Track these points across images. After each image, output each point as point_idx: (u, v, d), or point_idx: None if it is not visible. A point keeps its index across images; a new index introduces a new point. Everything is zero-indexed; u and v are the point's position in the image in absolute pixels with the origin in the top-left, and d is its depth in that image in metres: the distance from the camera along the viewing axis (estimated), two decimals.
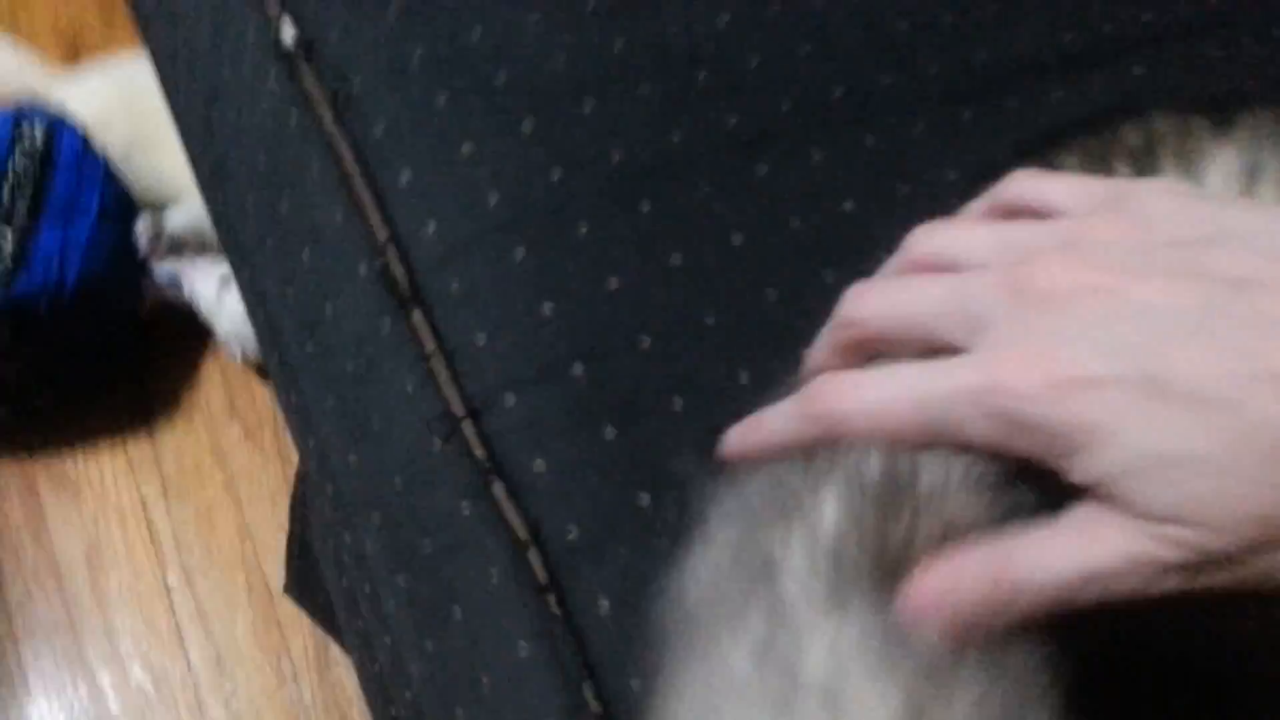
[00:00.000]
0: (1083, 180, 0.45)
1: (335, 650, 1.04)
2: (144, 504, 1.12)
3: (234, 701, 1.03)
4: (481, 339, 0.66)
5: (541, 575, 0.57)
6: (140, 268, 1.27)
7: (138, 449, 1.15)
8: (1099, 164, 0.49)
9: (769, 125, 0.79)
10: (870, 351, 0.44)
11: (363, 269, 0.69)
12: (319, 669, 1.05)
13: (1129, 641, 0.39)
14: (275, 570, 1.07)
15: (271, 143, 0.76)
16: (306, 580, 1.09)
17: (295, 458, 0.98)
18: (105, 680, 1.02)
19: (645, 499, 0.60)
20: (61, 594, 1.07)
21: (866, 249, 0.59)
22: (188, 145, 0.91)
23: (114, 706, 1.01)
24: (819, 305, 0.57)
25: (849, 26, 0.83)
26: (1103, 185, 0.44)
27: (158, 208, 1.32)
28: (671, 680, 0.40)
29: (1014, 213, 0.46)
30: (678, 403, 0.65)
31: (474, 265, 0.70)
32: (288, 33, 0.77)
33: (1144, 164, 0.48)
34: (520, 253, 0.71)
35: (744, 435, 0.49)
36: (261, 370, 1.18)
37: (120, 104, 1.30)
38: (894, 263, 0.49)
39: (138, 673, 1.03)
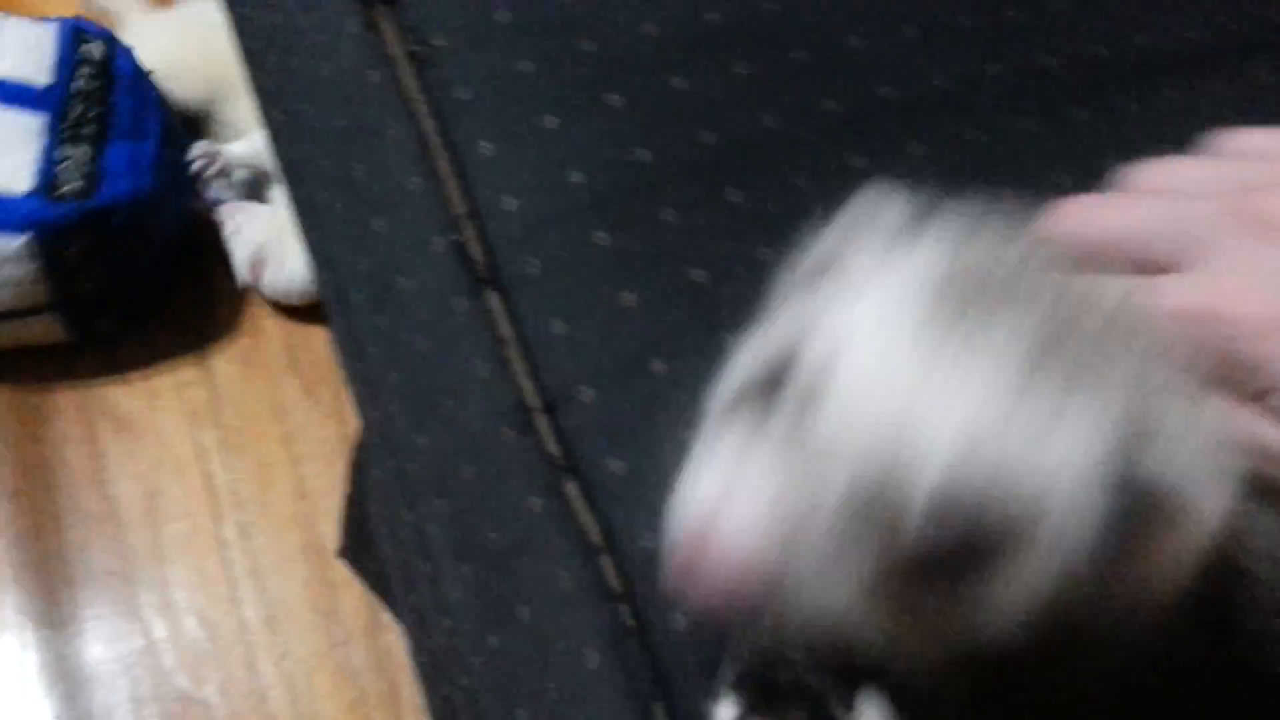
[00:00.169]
0: None
1: (386, 615, 1.03)
2: (203, 455, 1.11)
3: (285, 661, 1.03)
4: (559, 327, 0.64)
5: (615, 583, 0.55)
6: (190, 192, 1.28)
7: (198, 399, 1.15)
8: None
9: (868, 113, 0.75)
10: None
11: (438, 243, 0.67)
12: (370, 633, 1.05)
13: None
14: (329, 531, 1.06)
15: (348, 100, 0.73)
16: (361, 545, 1.08)
17: (353, 418, 0.96)
18: (159, 632, 1.03)
19: None
20: (119, 542, 1.07)
21: None
22: (258, 96, 0.88)
23: (167, 659, 1.02)
24: None
25: (958, 11, 0.78)
26: None
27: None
28: None
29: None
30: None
31: (554, 246, 0.67)
32: None
33: None
34: (602, 236, 0.68)
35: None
36: (297, 313, 1.17)
37: (195, 51, 1.29)
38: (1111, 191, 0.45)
39: (192, 626, 1.03)
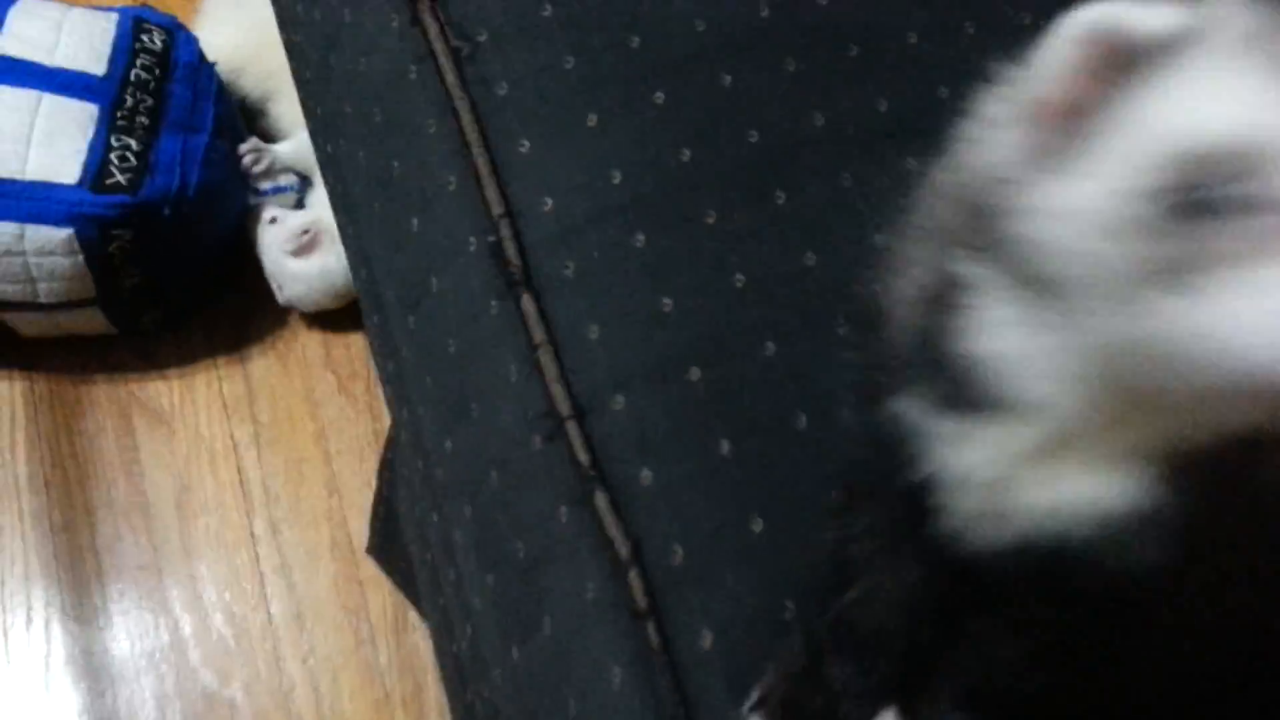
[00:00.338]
0: None
1: (414, 615, 1.02)
2: (236, 448, 1.11)
3: (311, 659, 1.02)
4: (594, 331, 0.62)
5: (641, 599, 0.53)
6: (244, 188, 1.27)
7: (233, 391, 1.14)
8: None
9: (922, 114, 0.72)
10: None
11: (473, 243, 0.65)
12: (397, 632, 1.03)
13: None
14: (359, 528, 1.05)
15: (388, 96, 0.72)
16: (390, 543, 1.07)
17: (386, 414, 0.95)
18: (187, 627, 1.02)
19: (759, 524, 0.55)
20: (150, 534, 1.06)
21: None
22: (302, 91, 0.87)
23: (194, 655, 1.01)
24: None
25: (1020, 7, 0.75)
26: None
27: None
28: None
29: None
30: (801, 420, 0.60)
31: (591, 248, 0.65)
32: None
33: None
34: (641, 239, 0.66)
35: None
36: (318, 319, 1.16)
37: (254, 49, 1.28)
38: None
39: (219, 622, 1.02)
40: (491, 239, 0.64)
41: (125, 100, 1.14)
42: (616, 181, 0.66)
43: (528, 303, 0.63)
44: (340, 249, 0.99)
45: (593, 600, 0.54)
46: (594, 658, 0.53)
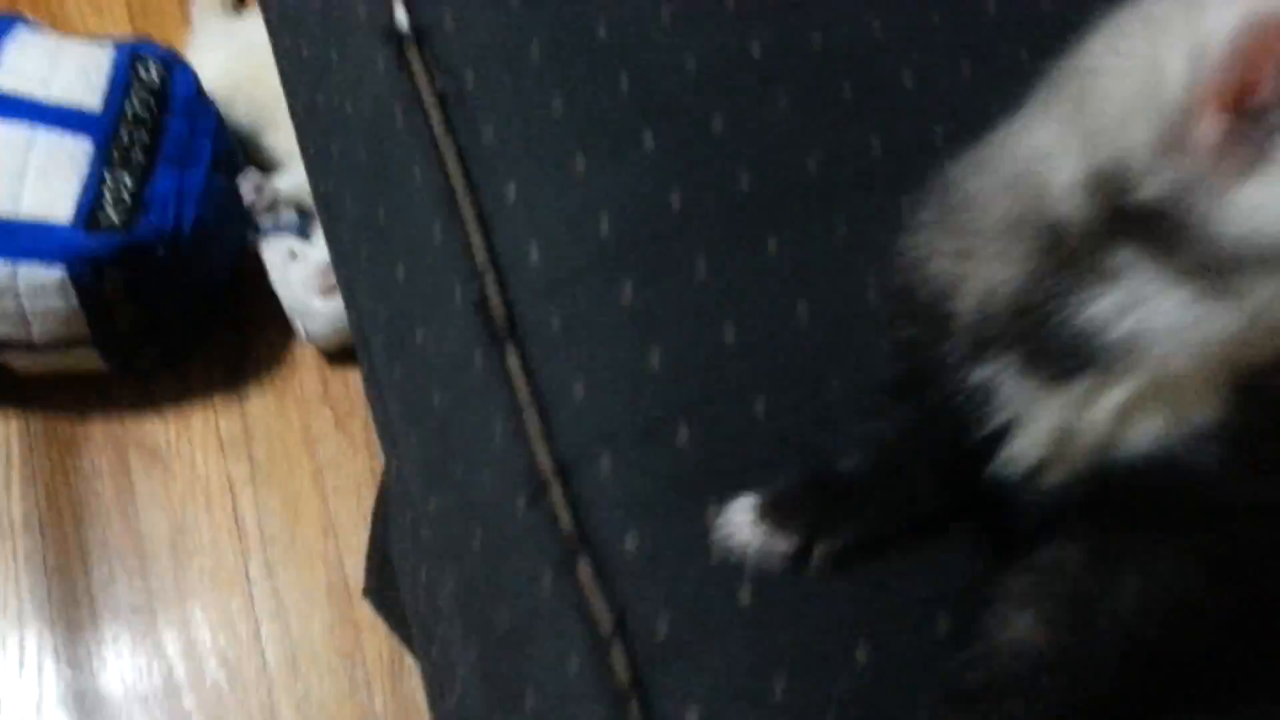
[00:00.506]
0: None
1: (410, 660, 1.00)
2: (232, 488, 1.09)
3: (305, 705, 1.00)
4: (579, 388, 0.60)
5: (624, 676, 0.51)
6: (244, 222, 1.25)
7: (230, 429, 1.12)
8: None
9: (918, 154, 0.70)
10: None
11: (458, 295, 0.63)
12: (392, 678, 1.01)
13: None
14: (356, 569, 1.03)
15: (374, 139, 0.70)
16: (386, 586, 1.05)
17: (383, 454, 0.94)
18: (180, 671, 1.00)
19: (747, 594, 0.53)
20: (144, 576, 1.05)
21: None
22: (295, 127, 0.86)
23: (187, 700, 0.99)
24: None
25: (1018, 48, 0.72)
26: None
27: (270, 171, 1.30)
28: None
29: None
30: (793, 479, 0.57)
31: (578, 300, 0.63)
32: (401, 15, 0.71)
33: None
34: (629, 290, 0.64)
35: None
36: (336, 355, 1.15)
37: (247, 77, 1.27)
38: None
39: (212, 666, 1.00)
40: (476, 291, 0.62)
41: (121, 136, 1.12)
42: (605, 230, 0.64)
43: (512, 358, 0.61)
44: None
45: (576, 676, 0.52)
46: None
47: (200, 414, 1.13)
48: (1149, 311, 0.38)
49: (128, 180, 1.11)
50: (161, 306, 1.12)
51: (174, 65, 1.22)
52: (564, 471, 0.57)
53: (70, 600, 1.03)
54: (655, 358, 0.61)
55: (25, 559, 1.05)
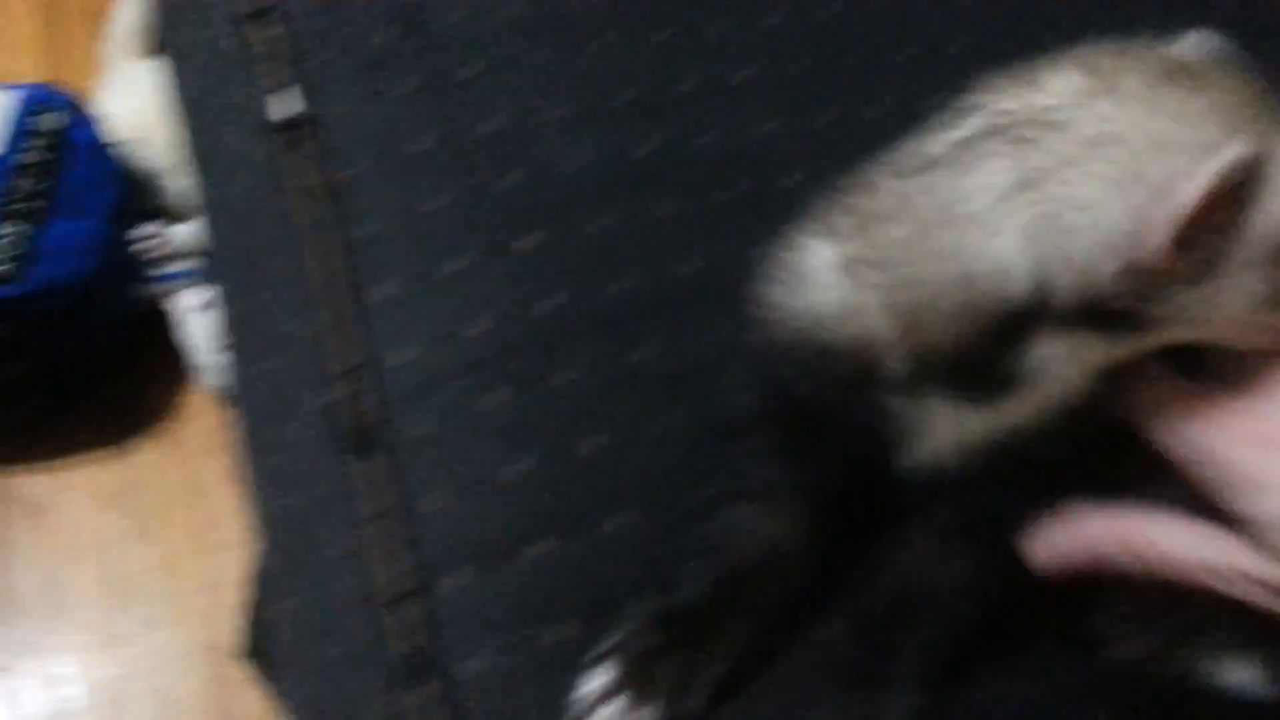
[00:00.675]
0: None
1: None
2: (111, 542, 1.05)
3: None
4: (436, 501, 0.59)
5: None
6: (140, 273, 1.23)
7: (113, 483, 1.09)
8: None
9: None
10: None
11: (324, 395, 0.62)
12: None
13: None
14: (234, 627, 1.01)
15: (252, 226, 0.69)
16: (261, 646, 1.03)
17: None
18: None
19: None
20: (10, 634, 1.01)
21: None
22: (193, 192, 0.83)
23: None
24: None
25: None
26: None
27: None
28: None
29: None
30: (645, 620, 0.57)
31: (446, 406, 0.62)
32: (285, 103, 0.69)
33: None
34: (499, 396, 0.63)
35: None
36: (209, 405, 1.12)
37: (158, 121, 1.23)
38: None
39: None
40: (342, 393, 0.61)
41: (16, 185, 1.09)
42: (481, 332, 0.63)
43: (371, 467, 0.59)
44: None
45: None
46: None
47: (84, 465, 1.09)
48: (1073, 359, 0.46)
49: (20, 230, 1.07)
50: (50, 358, 1.09)
51: (75, 113, 1.18)
52: (414, 590, 0.56)
53: None
54: (518, 468, 0.60)
55: None
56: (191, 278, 1.18)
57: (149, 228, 1.18)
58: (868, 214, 0.49)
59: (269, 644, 0.98)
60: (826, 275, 0.49)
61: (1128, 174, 0.42)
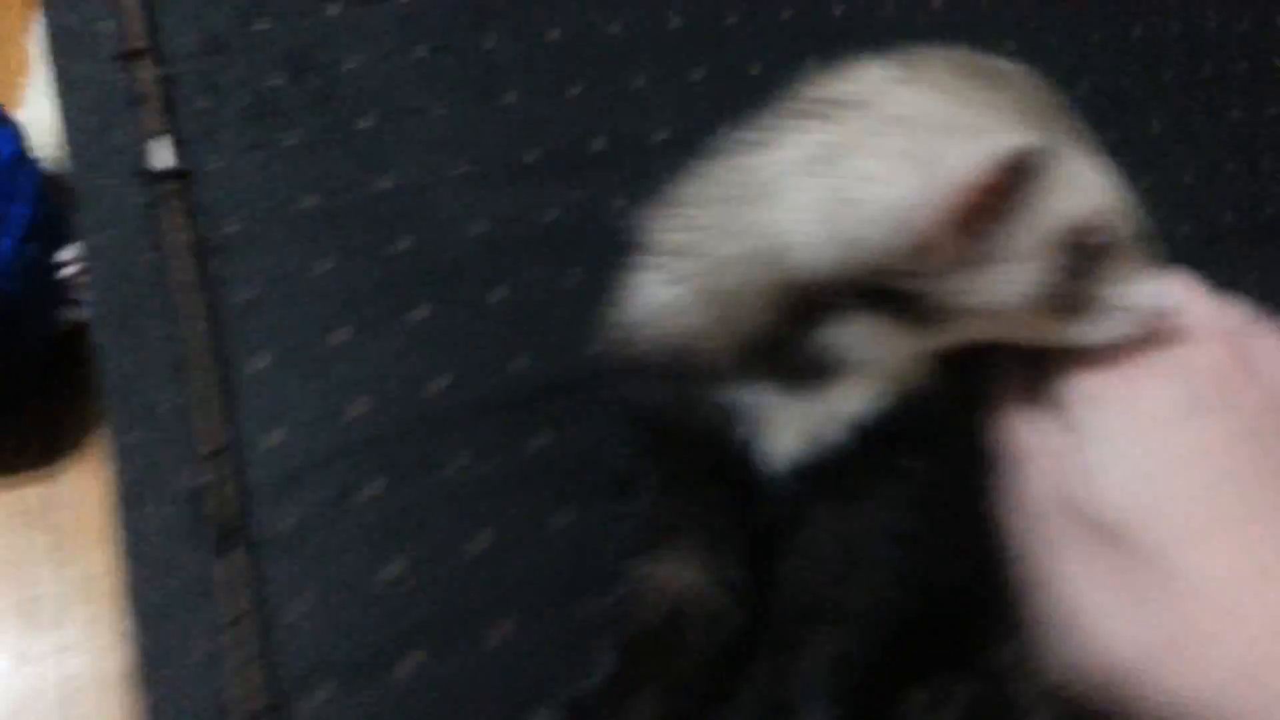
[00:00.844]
0: None
1: None
2: (30, 563, 1.03)
3: None
4: (304, 605, 0.55)
5: None
6: (63, 294, 1.17)
7: (32, 503, 1.06)
8: None
9: None
10: None
11: (184, 479, 0.57)
12: None
13: None
14: None
15: (123, 284, 0.63)
16: None
17: None
18: None
19: None
20: None
21: None
22: None
23: None
24: None
25: None
26: None
27: None
28: None
29: None
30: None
31: (317, 498, 0.57)
32: (160, 151, 0.64)
33: None
34: (377, 487, 0.59)
35: None
36: None
37: None
38: None
39: None
40: (203, 478, 0.57)
41: None
42: (359, 414, 0.59)
43: (230, 565, 0.56)
44: None
45: None
46: None
47: (3, 484, 1.06)
48: (875, 342, 0.46)
49: None
50: None
51: None
52: (270, 706, 0.52)
53: None
54: (394, 569, 0.56)
55: None
56: None
57: (69, 251, 1.12)
58: (682, 203, 0.49)
59: None
60: (649, 277, 0.50)
61: (915, 152, 0.43)
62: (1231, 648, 0.40)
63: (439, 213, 0.64)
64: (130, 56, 0.64)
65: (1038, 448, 0.47)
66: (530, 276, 0.63)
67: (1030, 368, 0.49)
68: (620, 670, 0.51)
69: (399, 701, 0.53)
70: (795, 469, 0.48)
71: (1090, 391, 0.46)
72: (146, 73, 0.64)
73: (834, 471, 0.48)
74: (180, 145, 0.64)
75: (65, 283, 1.12)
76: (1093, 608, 0.43)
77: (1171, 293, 0.46)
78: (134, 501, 0.61)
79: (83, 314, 1.12)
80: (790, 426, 0.48)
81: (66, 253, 1.12)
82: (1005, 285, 0.43)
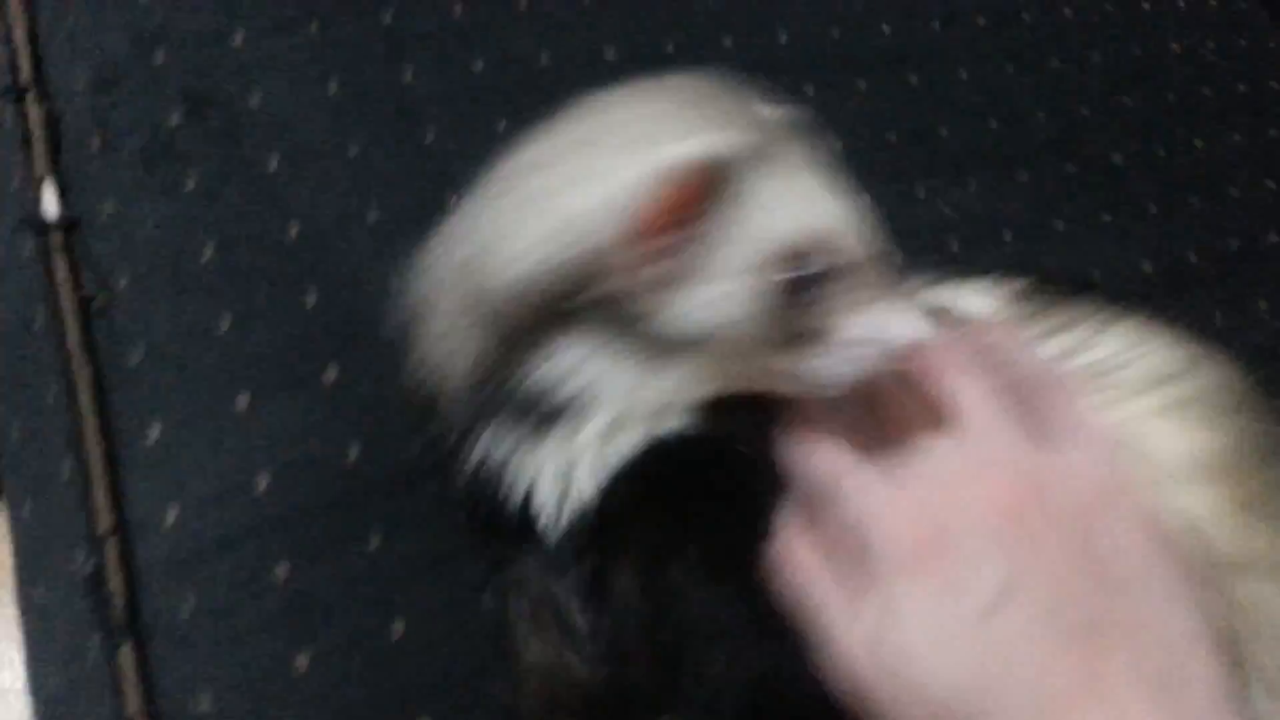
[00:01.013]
0: None
1: None
2: None
3: None
4: (204, 702, 0.50)
5: None
6: None
7: None
8: None
9: None
10: None
11: (76, 562, 0.53)
12: None
13: None
14: None
15: (11, 343, 0.59)
16: None
17: None
18: None
19: None
20: None
21: None
22: None
23: None
24: None
25: None
26: None
27: None
28: None
29: None
30: None
31: (217, 583, 0.53)
32: (50, 200, 0.59)
33: None
34: (283, 570, 0.54)
35: None
36: None
37: None
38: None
39: None
40: (94, 561, 0.53)
41: None
42: (262, 489, 0.54)
43: (126, 656, 0.51)
44: None
45: None
46: None
47: None
48: (599, 374, 0.44)
49: None
50: None
51: None
52: None
53: None
54: (302, 661, 0.52)
55: None
56: None
57: None
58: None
59: None
60: (430, 309, 0.48)
61: (597, 167, 0.43)
62: None
63: (350, 264, 0.59)
64: (18, 93, 0.59)
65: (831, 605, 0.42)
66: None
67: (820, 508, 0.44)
68: None
69: None
70: (564, 519, 0.46)
71: (897, 556, 0.41)
72: (32, 111, 0.59)
73: (607, 523, 0.45)
74: (69, 191, 0.59)
75: None
76: None
77: (911, 325, 0.42)
78: (32, 580, 0.56)
79: None
80: (547, 473, 0.46)
81: None
82: (715, 306, 0.42)
